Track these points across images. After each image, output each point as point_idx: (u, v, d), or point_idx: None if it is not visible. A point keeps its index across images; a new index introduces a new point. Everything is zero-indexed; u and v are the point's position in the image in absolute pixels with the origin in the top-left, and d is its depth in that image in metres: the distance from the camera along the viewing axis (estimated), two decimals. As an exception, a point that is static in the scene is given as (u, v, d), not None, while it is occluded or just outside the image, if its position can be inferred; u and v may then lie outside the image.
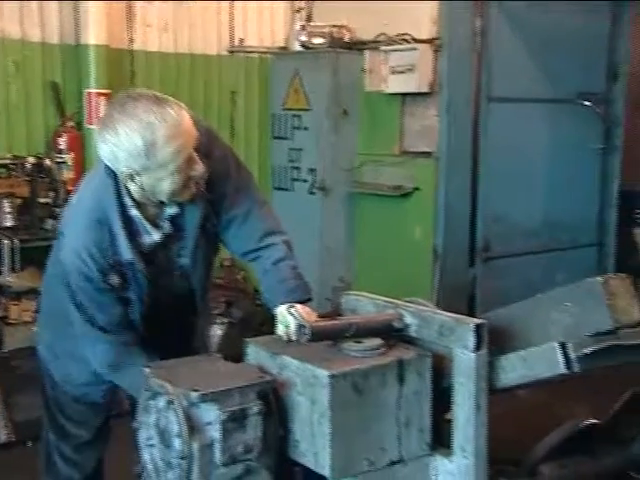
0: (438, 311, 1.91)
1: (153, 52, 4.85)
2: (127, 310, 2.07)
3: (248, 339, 1.98)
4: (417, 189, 4.73)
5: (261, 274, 2.19)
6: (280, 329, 1.99)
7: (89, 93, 4.39)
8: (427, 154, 4.70)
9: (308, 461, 1.76)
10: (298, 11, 5.22)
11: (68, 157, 4.34)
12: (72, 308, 2.05)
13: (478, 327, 1.75)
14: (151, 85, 4.82)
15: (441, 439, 1.86)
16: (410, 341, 1.90)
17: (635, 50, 5.16)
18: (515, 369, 1.80)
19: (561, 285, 1.85)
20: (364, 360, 1.77)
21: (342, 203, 5.09)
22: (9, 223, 4.05)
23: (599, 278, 1.68)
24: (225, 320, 4.55)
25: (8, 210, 4.06)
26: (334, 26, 4.95)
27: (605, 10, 5.02)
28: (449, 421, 1.84)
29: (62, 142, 4.38)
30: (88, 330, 2.06)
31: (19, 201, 4.12)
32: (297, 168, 5.17)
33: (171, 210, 2.06)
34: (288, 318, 1.96)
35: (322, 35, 4.95)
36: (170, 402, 1.65)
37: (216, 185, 2.10)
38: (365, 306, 2.02)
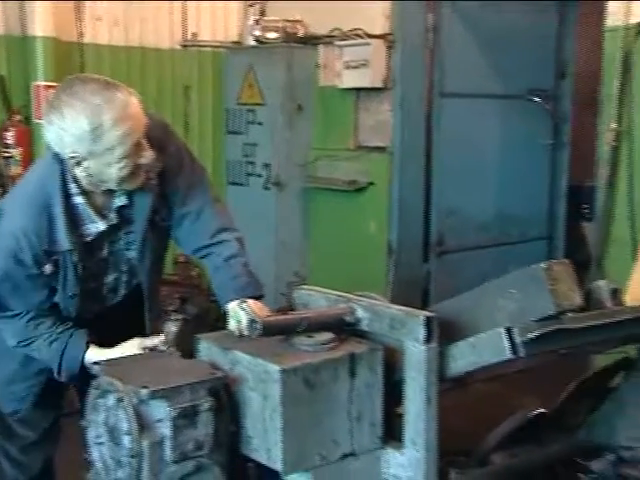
0: (389, 305, 1.93)
1: (103, 45, 4.78)
2: (50, 297, 2.04)
3: (200, 335, 1.97)
4: (371, 184, 4.75)
5: (212, 271, 2.18)
6: (232, 324, 1.98)
7: (37, 86, 4.31)
8: (381, 149, 4.72)
9: (260, 456, 1.76)
10: (252, 5, 5.19)
11: (16, 152, 4.26)
12: None
13: (428, 320, 1.77)
14: (101, 78, 4.75)
15: (393, 432, 1.88)
16: (362, 335, 1.91)
17: (581, 49, 5.27)
18: (464, 356, 1.81)
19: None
20: (316, 354, 1.78)
21: (297, 198, 5.09)
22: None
23: (542, 264, 1.71)
24: (179, 316, 4.49)
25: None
26: (288, 21, 4.94)
27: (553, 10, 5.13)
28: (401, 415, 1.85)
29: (9, 137, 4.29)
30: None
31: (-35, 196, 4.03)
32: (252, 163, 5.15)
33: (120, 201, 2.03)
34: (240, 313, 1.96)
35: (276, 30, 4.94)
36: (120, 400, 1.63)
37: (169, 180, 2.09)
38: (317, 300, 2.02)
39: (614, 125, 3.68)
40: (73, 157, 1.88)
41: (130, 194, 2.03)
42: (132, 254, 2.12)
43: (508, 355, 1.72)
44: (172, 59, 5.11)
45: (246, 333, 1.87)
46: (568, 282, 1.71)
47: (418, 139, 4.69)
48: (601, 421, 2.54)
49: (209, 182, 2.26)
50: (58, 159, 1.95)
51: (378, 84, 4.59)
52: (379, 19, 4.60)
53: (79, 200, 1.98)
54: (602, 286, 2.09)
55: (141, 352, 2.02)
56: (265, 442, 1.73)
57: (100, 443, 1.67)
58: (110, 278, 2.16)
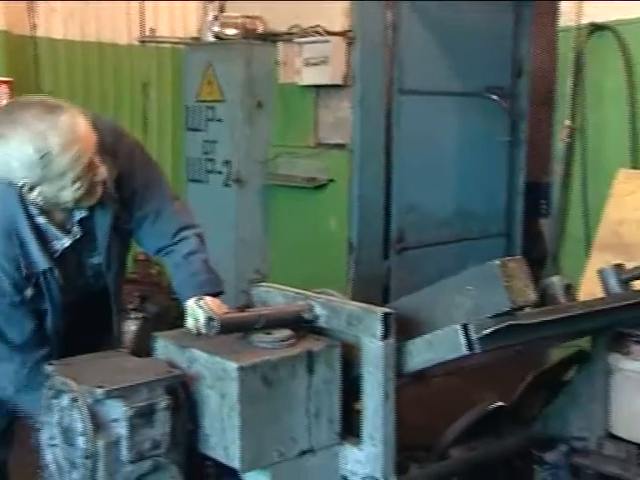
0: (347, 301, 1.94)
1: (58, 39, 4.69)
2: (41, 323, 2.01)
3: (157, 333, 1.95)
4: (332, 181, 4.76)
5: (172, 268, 2.17)
6: (189, 322, 1.98)
7: (-12, 81, 4.22)
8: (341, 146, 4.73)
9: (218, 455, 1.76)
10: (211, 1, 5.15)
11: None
12: None
13: (385, 316, 1.78)
14: (58, 74, 4.67)
15: (351, 429, 1.89)
16: (320, 332, 1.91)
17: (537, 49, 5.35)
18: (421, 353, 1.83)
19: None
20: (273, 352, 1.78)
21: (257, 195, 5.08)
22: None
23: (497, 261, 1.73)
24: (139, 315, 4.46)
25: None
26: (247, 17, 4.92)
27: (509, 10, 5.21)
28: (359, 411, 1.86)
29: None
30: None
31: None
32: (211, 160, 5.12)
33: (80, 214, 2.01)
34: (197, 311, 1.95)
35: (235, 26, 4.91)
36: (74, 400, 1.61)
37: (125, 183, 2.06)
38: (275, 298, 2.03)
39: (568, 123, 3.75)
40: (24, 184, 1.84)
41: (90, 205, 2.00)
42: (97, 260, 2.09)
43: (464, 351, 1.75)
44: (130, 55, 5.04)
45: (204, 331, 1.86)
46: (522, 279, 1.73)
47: (378, 136, 4.72)
48: (555, 413, 2.59)
49: (166, 181, 2.23)
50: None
51: (338, 81, 4.60)
52: (338, 16, 4.61)
53: (41, 220, 1.95)
54: (556, 282, 2.13)
55: None
56: (223, 440, 1.73)
57: (54, 445, 1.65)
58: (75, 284, 2.13)
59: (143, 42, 5.09)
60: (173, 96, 5.27)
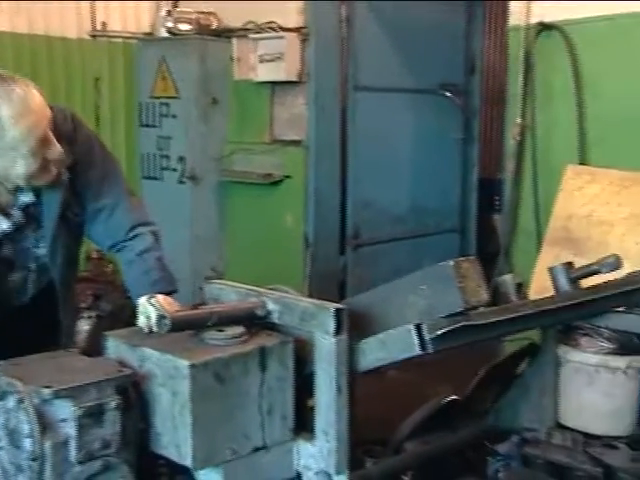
0: (300, 297, 1.93)
1: (4, 32, 4.57)
2: None
3: (108, 332, 1.92)
4: (288, 177, 4.76)
5: (125, 265, 2.14)
6: (141, 320, 1.95)
7: None
8: (297, 142, 4.73)
9: (170, 453, 1.74)
10: (164, -4, 5.10)
11: None
12: None
13: (338, 312, 1.78)
14: (4, 67, 4.55)
15: (305, 425, 1.89)
16: (273, 328, 1.91)
17: (490, 48, 5.44)
18: (374, 352, 1.84)
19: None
20: (226, 349, 1.76)
21: (213, 192, 5.05)
22: None
23: (450, 262, 1.74)
24: (93, 314, 4.40)
25: None
26: (201, 13, 4.88)
27: (462, 10, 5.27)
28: (312, 408, 1.86)
29: None
30: None
31: None
32: (166, 157, 5.07)
33: (26, 198, 1.96)
34: (149, 309, 1.93)
35: (189, 21, 4.87)
36: (20, 401, 1.57)
37: (80, 173, 2.03)
38: (228, 294, 2.01)
39: (519, 121, 3.81)
40: None
41: (37, 190, 1.96)
42: (42, 251, 2.05)
43: (417, 351, 1.76)
44: (81, 49, 4.95)
45: (155, 329, 1.84)
46: (475, 279, 1.74)
47: (333, 132, 4.73)
48: (507, 406, 2.64)
49: (123, 176, 2.20)
50: None
51: (293, 78, 4.60)
52: (292, 12, 4.61)
53: None
54: (507, 280, 2.17)
55: None
56: (175, 438, 1.71)
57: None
58: (16, 277, 2.08)
59: (94, 36, 5.01)
60: (126, 92, 5.20)
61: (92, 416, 1.61)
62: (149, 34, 5.19)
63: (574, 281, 2.22)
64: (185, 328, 1.82)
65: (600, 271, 2.18)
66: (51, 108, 1.91)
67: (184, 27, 4.87)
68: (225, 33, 4.90)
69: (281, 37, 4.56)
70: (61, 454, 1.56)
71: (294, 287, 2.05)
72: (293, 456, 1.87)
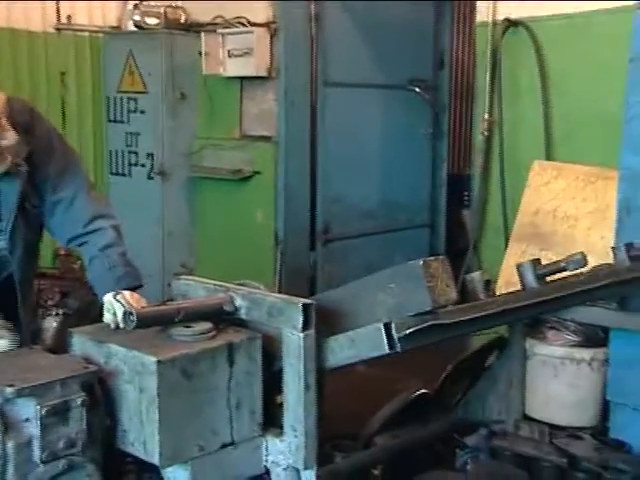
0: (268, 293, 1.93)
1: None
2: None
3: (73, 329, 1.90)
4: (257, 173, 4.74)
5: (88, 261, 2.12)
6: (107, 317, 1.93)
7: None
8: (266, 138, 4.71)
9: (137, 450, 1.72)
10: (131, -11, 5.04)
11: None
12: None
13: (305, 307, 1.78)
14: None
15: (273, 421, 1.88)
16: (241, 324, 1.90)
17: (458, 44, 5.47)
18: (343, 350, 1.84)
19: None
20: (193, 345, 1.75)
21: (182, 188, 5.01)
22: None
23: (420, 261, 1.75)
24: (60, 311, 4.33)
25: None
26: (169, 6, 4.83)
27: (430, 7, 5.30)
28: (281, 404, 1.86)
29: None
30: None
31: None
32: (134, 153, 5.02)
33: None
34: (115, 305, 1.91)
35: (156, 15, 4.81)
36: (-18, 400, 1.55)
37: (39, 164, 2.00)
38: (196, 290, 2.00)
39: (487, 116, 3.84)
40: None
41: None
42: (1, 244, 2.02)
43: (386, 350, 1.76)
44: (45, 43, 4.87)
45: (121, 325, 1.83)
46: (444, 278, 1.75)
47: (303, 128, 4.72)
48: (476, 399, 2.66)
49: (82, 168, 2.19)
50: None
51: (262, 73, 4.58)
52: (261, 7, 4.58)
53: None
54: (475, 278, 2.18)
55: None
56: (142, 436, 1.70)
57: (-39, 448, 1.58)
58: None
59: (59, 30, 4.93)
60: (93, 86, 5.13)
61: (56, 415, 1.59)
62: (116, 28, 5.13)
63: (541, 278, 2.24)
64: (152, 324, 1.81)
65: (567, 268, 2.21)
66: (10, 98, 1.89)
67: (152, 21, 4.82)
68: (193, 27, 4.86)
69: (250, 32, 4.54)
70: (24, 454, 1.54)
71: (264, 283, 2.05)
72: (262, 452, 1.86)
